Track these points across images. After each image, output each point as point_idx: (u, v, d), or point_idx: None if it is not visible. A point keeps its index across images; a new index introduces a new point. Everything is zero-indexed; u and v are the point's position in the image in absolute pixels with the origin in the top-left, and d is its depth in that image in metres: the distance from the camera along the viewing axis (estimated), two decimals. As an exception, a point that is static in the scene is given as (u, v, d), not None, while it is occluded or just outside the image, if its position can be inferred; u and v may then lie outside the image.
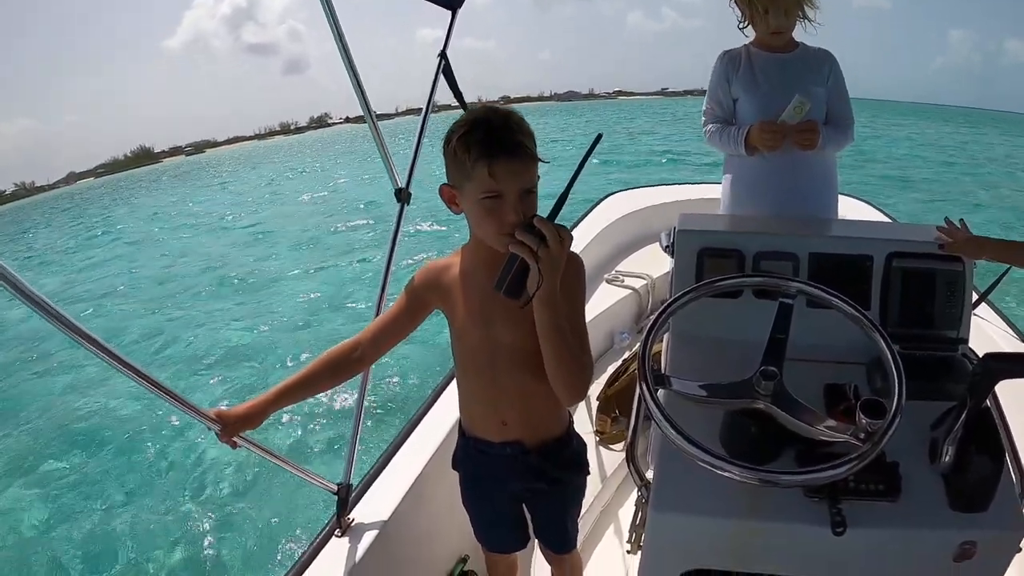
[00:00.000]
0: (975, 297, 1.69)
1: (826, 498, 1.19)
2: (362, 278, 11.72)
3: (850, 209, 4.13)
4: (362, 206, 19.48)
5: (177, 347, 9.20)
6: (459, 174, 1.29)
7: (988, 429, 1.21)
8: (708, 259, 1.66)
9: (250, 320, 10.05)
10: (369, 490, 1.92)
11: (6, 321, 11.21)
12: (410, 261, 9.93)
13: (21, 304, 1.02)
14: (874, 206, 4.44)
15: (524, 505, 1.74)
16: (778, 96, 2.09)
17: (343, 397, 6.29)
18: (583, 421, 2.84)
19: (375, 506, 1.86)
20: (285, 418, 6.16)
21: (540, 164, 1.29)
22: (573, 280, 1.38)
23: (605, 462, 2.64)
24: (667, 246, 1.77)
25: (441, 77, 2.13)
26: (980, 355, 1.22)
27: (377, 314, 1.81)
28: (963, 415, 1.17)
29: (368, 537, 1.75)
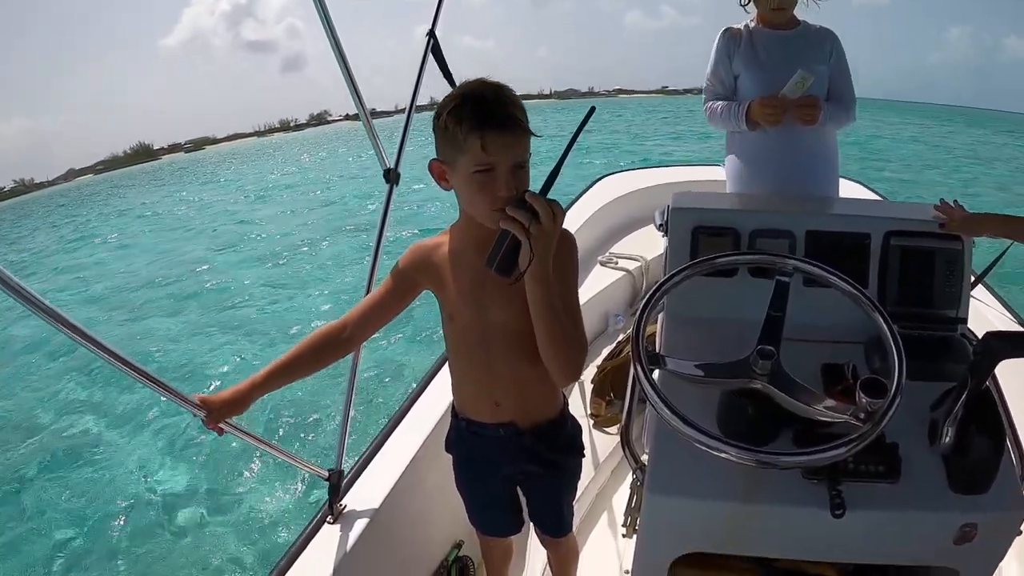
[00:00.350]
0: (972, 278, 1.67)
1: (825, 480, 1.18)
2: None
3: (847, 191, 4.13)
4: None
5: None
6: (450, 148, 1.27)
7: (989, 410, 1.20)
8: (703, 237, 1.63)
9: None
10: (361, 476, 1.91)
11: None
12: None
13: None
14: (870, 188, 4.43)
15: (519, 488, 1.73)
16: (780, 72, 2.08)
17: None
18: (578, 404, 2.83)
19: (367, 492, 1.84)
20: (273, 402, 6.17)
21: (532, 142, 1.27)
22: (566, 257, 1.36)
23: (601, 445, 2.62)
24: (661, 224, 1.74)
25: (431, 57, 2.10)
26: (979, 335, 1.20)
27: (367, 293, 1.79)
28: (964, 395, 1.15)
29: (360, 524, 1.73)
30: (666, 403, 1.09)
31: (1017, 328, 2.57)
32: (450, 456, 1.72)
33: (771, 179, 2.19)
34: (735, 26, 2.28)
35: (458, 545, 2.21)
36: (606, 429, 2.72)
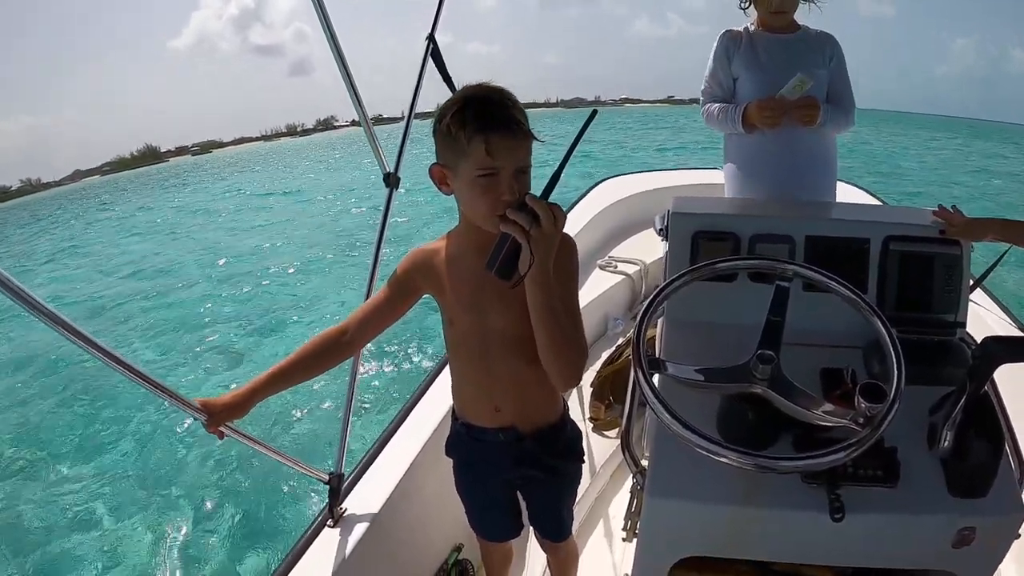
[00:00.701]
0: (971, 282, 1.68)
1: (824, 484, 1.18)
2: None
3: (845, 195, 4.14)
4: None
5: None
6: (452, 152, 1.26)
7: (988, 414, 1.20)
8: (703, 242, 1.64)
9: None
10: (362, 479, 1.91)
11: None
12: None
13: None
14: (869, 192, 4.43)
15: (519, 492, 1.73)
16: (779, 75, 2.08)
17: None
18: (577, 408, 2.82)
19: (368, 496, 1.84)
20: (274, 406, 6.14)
21: (536, 150, 1.28)
22: (566, 261, 1.36)
23: (600, 449, 2.63)
24: (661, 229, 1.75)
25: (430, 61, 2.10)
26: (977, 339, 1.20)
27: (367, 297, 1.79)
28: (962, 400, 1.15)
29: (361, 527, 1.73)
30: (667, 408, 1.09)
31: (1015, 332, 2.57)
32: (450, 460, 1.72)
33: (769, 183, 2.19)
34: (735, 28, 2.28)
35: (458, 548, 2.21)
36: (605, 433, 2.72)
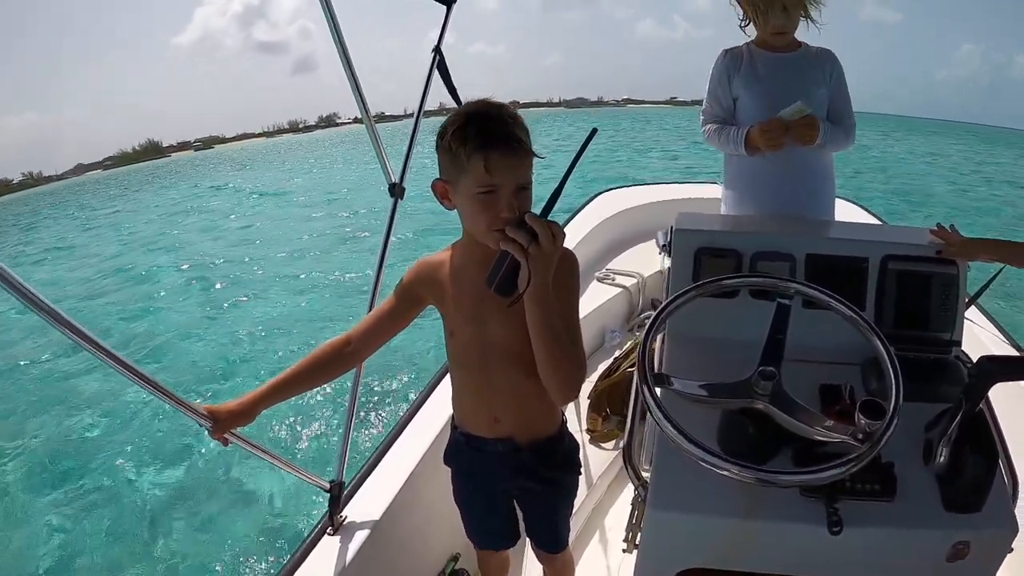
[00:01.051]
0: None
1: (823, 498, 1.20)
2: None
3: (843, 212, 4.17)
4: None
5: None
6: (453, 168, 1.27)
7: (983, 431, 1.23)
8: (705, 258, 1.66)
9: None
10: (361, 488, 1.92)
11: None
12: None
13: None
14: (866, 210, 4.47)
15: (516, 503, 1.74)
16: (779, 96, 2.09)
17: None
18: (574, 419, 2.84)
19: (368, 504, 1.85)
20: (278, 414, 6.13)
21: (536, 162, 1.29)
22: (566, 277, 1.37)
23: (597, 461, 2.64)
24: (664, 245, 1.77)
25: (436, 73, 2.12)
26: (972, 357, 1.22)
27: (370, 308, 1.80)
28: (958, 417, 1.18)
29: (360, 536, 1.75)
30: (671, 422, 1.11)
31: (1010, 350, 2.60)
32: (449, 469, 1.74)
33: (769, 202, 2.20)
34: (735, 47, 2.28)
35: (455, 558, 2.21)
36: (602, 445, 2.73)
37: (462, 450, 1.64)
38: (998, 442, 1.32)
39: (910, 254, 1.63)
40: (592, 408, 2.86)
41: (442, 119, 1.32)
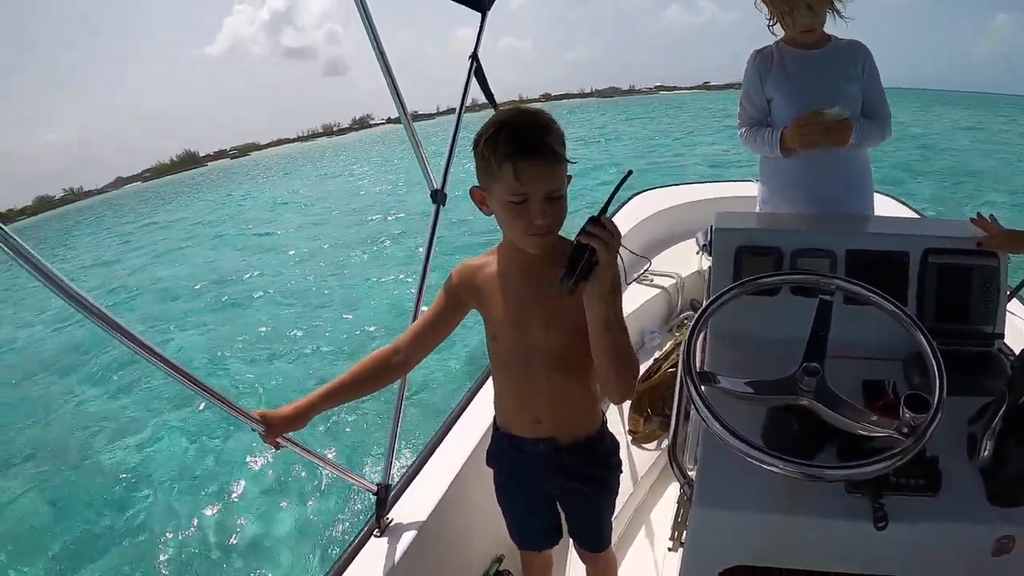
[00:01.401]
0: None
1: (868, 493, 1.21)
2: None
3: (882, 207, 4.10)
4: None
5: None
6: (487, 176, 1.31)
7: None
8: (746, 257, 1.68)
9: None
10: (407, 490, 1.95)
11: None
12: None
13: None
14: (906, 204, 4.40)
15: (558, 503, 1.76)
16: (811, 94, 2.08)
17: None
18: (615, 421, 2.84)
19: (413, 506, 1.88)
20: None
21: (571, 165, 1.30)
22: (612, 278, 1.38)
23: (639, 461, 2.65)
24: (704, 244, 1.79)
25: (473, 79, 2.16)
26: (1014, 350, 1.22)
27: (415, 313, 1.84)
28: (1002, 410, 1.17)
29: (407, 537, 1.77)
30: (718, 419, 1.13)
31: None
32: (492, 470, 1.77)
33: (806, 199, 2.19)
34: (765, 48, 2.26)
35: (499, 559, 2.23)
36: (644, 446, 2.74)
37: (504, 451, 1.67)
38: None
39: (951, 247, 1.63)
40: (633, 409, 2.86)
41: (480, 115, 1.34)
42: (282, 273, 13.54)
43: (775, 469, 1.08)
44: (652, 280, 3.75)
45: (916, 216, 3.98)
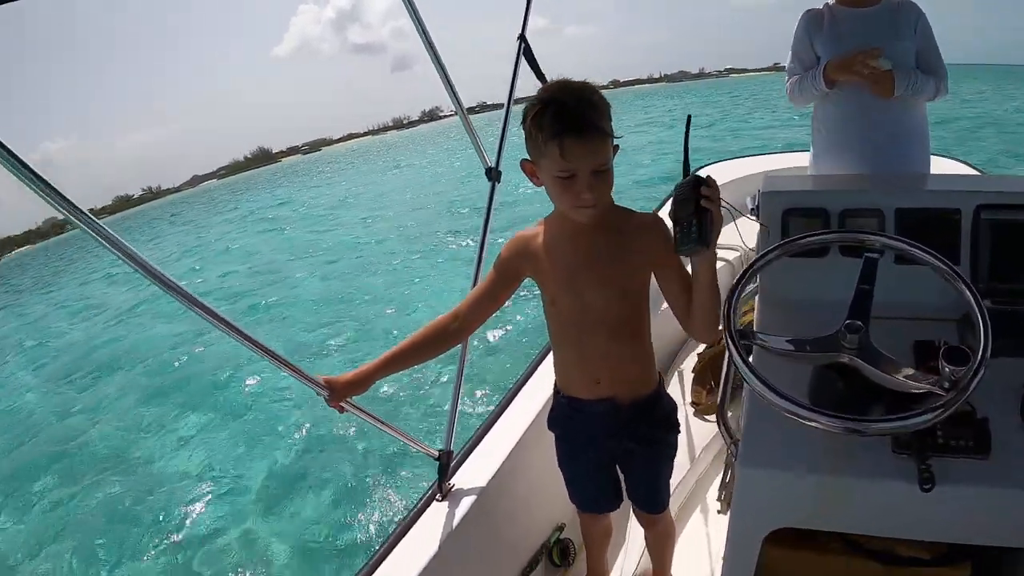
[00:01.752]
0: None
1: (914, 454, 1.17)
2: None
3: (941, 169, 3.91)
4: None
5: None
6: (535, 151, 1.36)
7: None
8: (793, 219, 1.66)
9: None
10: (470, 457, 2.00)
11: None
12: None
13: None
14: (966, 163, 4.20)
15: (618, 467, 1.79)
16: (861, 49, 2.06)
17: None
18: (678, 392, 2.85)
19: (475, 473, 1.93)
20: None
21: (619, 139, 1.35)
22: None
23: (701, 433, 2.64)
24: (752, 208, 1.77)
25: (523, 60, 2.19)
26: None
27: (474, 283, 1.89)
28: None
29: (467, 502, 1.82)
30: (756, 374, 1.12)
31: None
32: (553, 435, 1.81)
33: (858, 161, 2.17)
34: (815, 8, 2.26)
35: (560, 528, 2.27)
36: (706, 417, 2.72)
37: (565, 413, 1.72)
38: None
39: (1005, 203, 1.56)
40: (696, 381, 2.87)
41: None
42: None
43: (816, 425, 1.06)
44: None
45: (975, 174, 3.81)
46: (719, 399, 1.56)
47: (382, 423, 1.71)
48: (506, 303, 1.65)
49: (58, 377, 10.89)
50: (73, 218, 1.05)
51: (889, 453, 1.21)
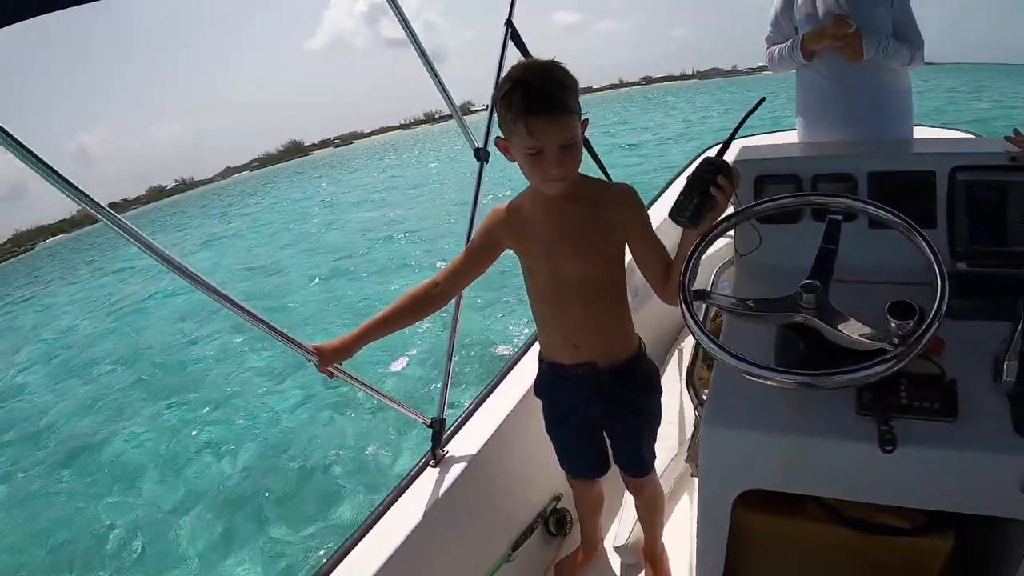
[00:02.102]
0: None
1: (876, 415, 1.15)
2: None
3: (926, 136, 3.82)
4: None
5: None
6: (506, 129, 1.40)
7: None
8: (766, 186, 1.65)
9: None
10: (465, 426, 2.03)
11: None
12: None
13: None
14: (953, 129, 4.10)
15: (604, 433, 1.82)
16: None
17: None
18: (676, 371, 2.81)
19: (468, 440, 1.96)
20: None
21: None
22: (642, 210, 1.54)
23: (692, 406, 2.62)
24: None
25: (511, 44, 2.22)
26: None
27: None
28: (1020, 327, 1.11)
29: (459, 469, 1.84)
30: (704, 333, 1.12)
31: None
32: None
33: (839, 126, 2.18)
34: None
35: (557, 498, 2.30)
36: (705, 391, 2.70)
37: (548, 380, 1.77)
38: None
39: (981, 163, 1.52)
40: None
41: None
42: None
43: (770, 382, 1.06)
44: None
45: (952, 136, 3.71)
46: (689, 363, 1.57)
47: (373, 390, 1.73)
48: (485, 270, 1.69)
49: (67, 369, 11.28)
50: (87, 207, 1.10)
51: (853, 414, 1.19)
